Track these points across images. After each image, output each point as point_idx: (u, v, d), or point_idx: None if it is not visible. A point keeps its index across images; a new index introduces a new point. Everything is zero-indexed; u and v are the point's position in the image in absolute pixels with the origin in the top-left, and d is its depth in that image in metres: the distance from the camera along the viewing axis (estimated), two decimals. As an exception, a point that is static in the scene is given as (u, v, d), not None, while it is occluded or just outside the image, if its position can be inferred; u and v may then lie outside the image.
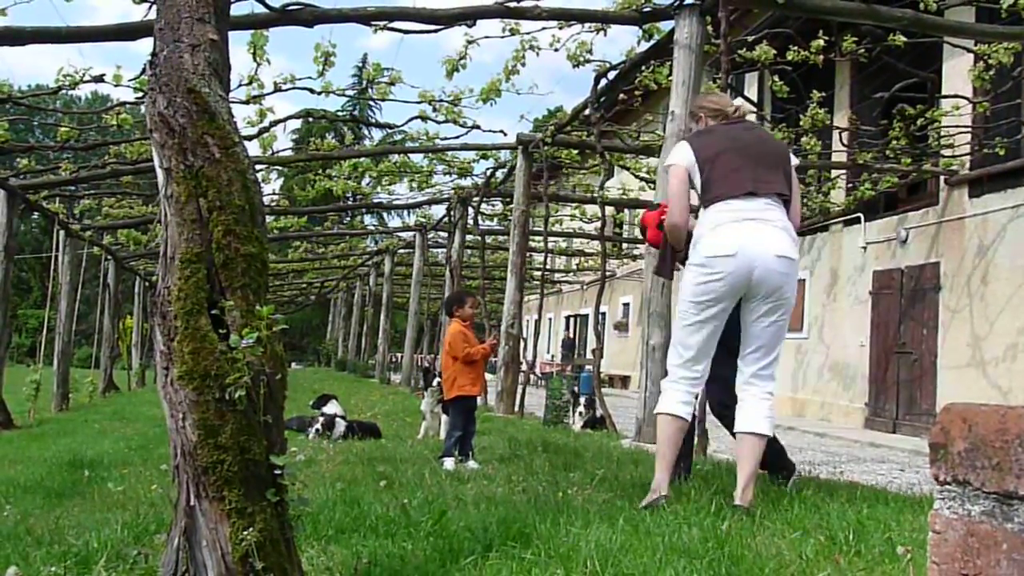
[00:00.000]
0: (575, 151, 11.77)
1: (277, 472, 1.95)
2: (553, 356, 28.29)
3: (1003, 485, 0.97)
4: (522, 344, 10.71)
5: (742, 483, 3.35)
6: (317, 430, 7.06)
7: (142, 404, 12.16)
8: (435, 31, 7.13)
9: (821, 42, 8.66)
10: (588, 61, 8.13)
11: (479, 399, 5.69)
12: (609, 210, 13.98)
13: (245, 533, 1.86)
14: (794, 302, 3.46)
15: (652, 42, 7.67)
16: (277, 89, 8.69)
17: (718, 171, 3.35)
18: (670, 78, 6.81)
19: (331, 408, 7.52)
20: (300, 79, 8.67)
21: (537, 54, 8.31)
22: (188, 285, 1.93)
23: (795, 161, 3.60)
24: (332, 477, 4.27)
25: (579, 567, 2.34)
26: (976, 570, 1.00)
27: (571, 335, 28.68)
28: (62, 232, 13.18)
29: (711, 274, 3.29)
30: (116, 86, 8.11)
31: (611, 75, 8.41)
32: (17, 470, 5.27)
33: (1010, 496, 0.96)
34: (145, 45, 8.48)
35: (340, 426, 7.03)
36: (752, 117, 12.40)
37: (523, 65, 8.50)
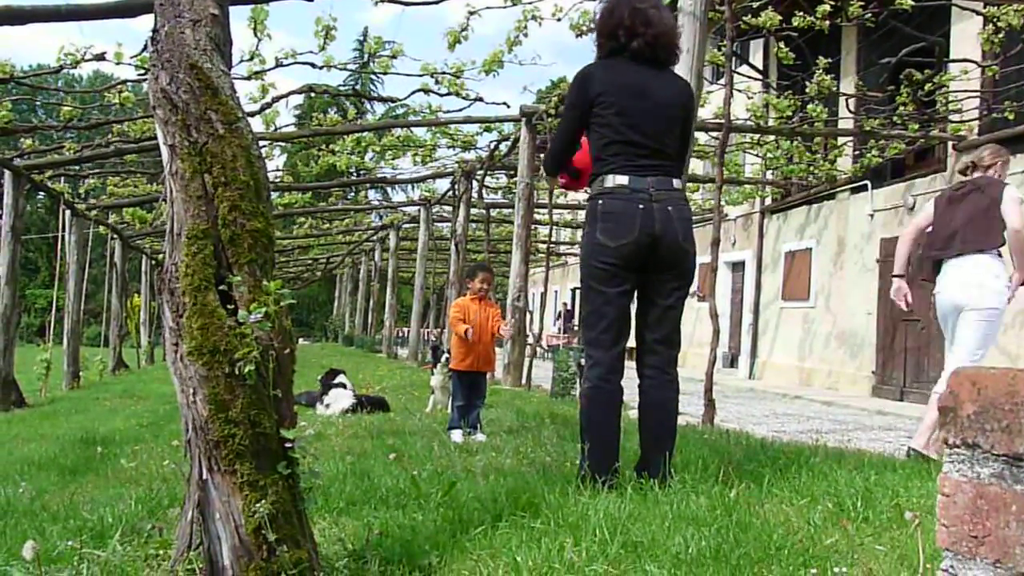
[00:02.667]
0: (579, 122, 11.67)
1: (288, 445, 1.97)
2: (560, 329, 28.36)
3: (1012, 447, 0.97)
4: (528, 317, 10.72)
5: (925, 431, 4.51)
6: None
7: (152, 381, 12.25)
8: (436, 2, 7.07)
9: (827, 7, 8.54)
10: (591, 30, 8.03)
11: (488, 374, 5.70)
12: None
13: (258, 505, 1.88)
14: (980, 315, 4.64)
15: (656, 10, 7.56)
16: (278, 64, 8.63)
17: (937, 232, 4.86)
18: (674, 46, 6.72)
19: (339, 382, 7.52)
20: (301, 54, 8.61)
21: (539, 24, 8.23)
22: (195, 261, 1.94)
23: (1009, 196, 4.63)
24: (342, 451, 4.31)
25: (588, 536, 2.36)
26: (985, 532, 1.00)
27: (568, 306, 28.75)
28: (68, 212, 13.20)
29: (935, 305, 4.84)
30: (118, 64, 8.08)
31: (615, 44, 8.31)
32: (31, 448, 5.33)
33: (1019, 458, 0.96)
34: (145, 22, 8.43)
35: (343, 400, 6.97)
36: (757, 85, 12.32)
37: (525, 36, 8.43)
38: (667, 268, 3.25)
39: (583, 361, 4.20)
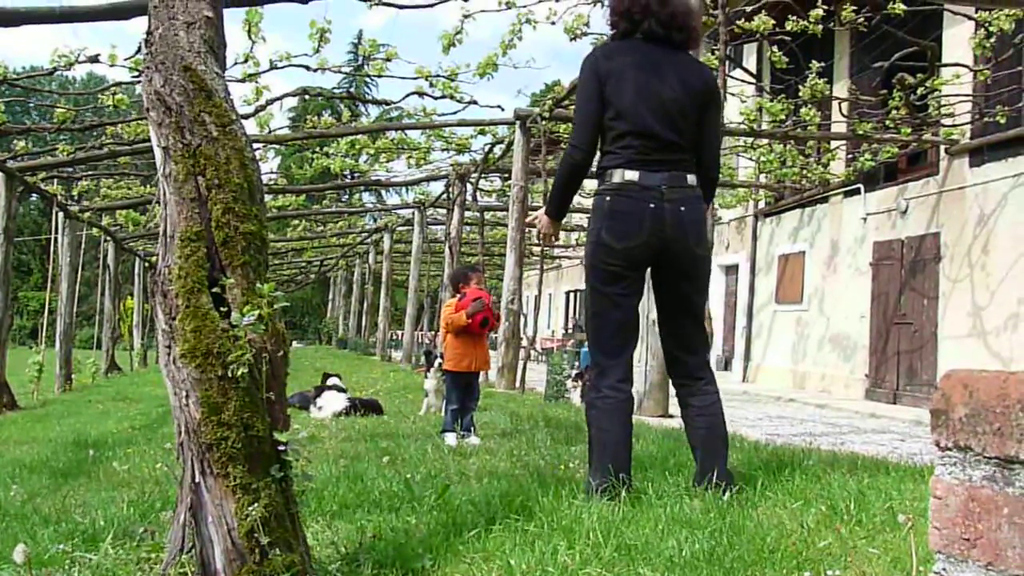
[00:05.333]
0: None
1: (281, 448, 1.96)
2: (553, 332, 28.37)
3: (1004, 450, 0.97)
4: (522, 320, 10.73)
5: None
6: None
7: (145, 384, 12.20)
8: (430, 6, 7.07)
9: (820, 11, 8.57)
10: (585, 34, 8.06)
11: (481, 374, 5.70)
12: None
13: (250, 509, 1.87)
14: None
15: (650, 14, 7.58)
16: (273, 67, 8.62)
17: None
18: (668, 50, 6.73)
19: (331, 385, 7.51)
20: (296, 56, 8.60)
21: (534, 28, 8.25)
22: (188, 263, 1.93)
23: None
24: (335, 454, 4.30)
25: (581, 539, 2.35)
26: (977, 534, 1.00)
27: (579, 317, 28.77)
28: (61, 214, 13.15)
29: None
30: (111, 66, 8.06)
31: (609, 48, 8.33)
32: (22, 451, 5.30)
33: (1011, 461, 0.97)
34: (139, 25, 8.40)
35: (336, 403, 6.94)
36: (750, 89, 12.36)
37: (520, 39, 8.45)
38: (680, 277, 3.07)
39: (582, 366, 4.18)
